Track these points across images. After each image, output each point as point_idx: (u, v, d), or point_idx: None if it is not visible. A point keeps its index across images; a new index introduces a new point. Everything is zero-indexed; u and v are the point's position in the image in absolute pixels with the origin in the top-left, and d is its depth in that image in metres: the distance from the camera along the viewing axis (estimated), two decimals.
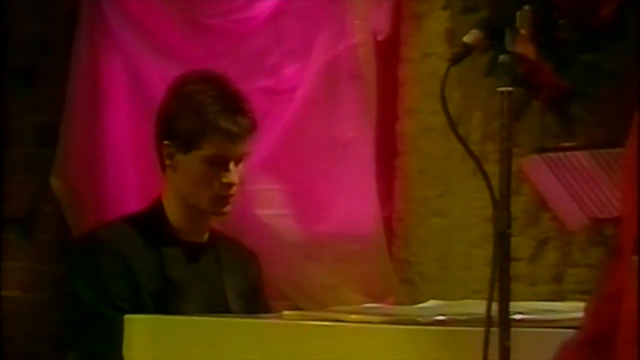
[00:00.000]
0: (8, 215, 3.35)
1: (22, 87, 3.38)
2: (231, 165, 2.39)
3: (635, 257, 1.36)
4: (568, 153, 2.79)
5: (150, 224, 2.41)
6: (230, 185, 2.39)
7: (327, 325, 1.81)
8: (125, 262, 2.35)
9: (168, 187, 2.43)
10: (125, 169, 3.18)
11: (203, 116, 2.36)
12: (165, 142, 2.40)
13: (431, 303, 2.12)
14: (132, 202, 2.96)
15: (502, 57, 1.53)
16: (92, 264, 2.36)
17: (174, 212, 2.42)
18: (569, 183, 2.80)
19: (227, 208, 2.41)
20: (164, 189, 2.44)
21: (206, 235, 2.46)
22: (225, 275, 2.45)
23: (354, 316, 1.82)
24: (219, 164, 2.38)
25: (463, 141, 1.58)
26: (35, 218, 3.36)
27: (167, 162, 2.40)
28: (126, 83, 3.24)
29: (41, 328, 3.30)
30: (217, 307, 2.37)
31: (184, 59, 3.11)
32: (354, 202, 3.13)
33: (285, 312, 2.00)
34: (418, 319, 1.78)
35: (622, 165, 1.49)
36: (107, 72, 3.26)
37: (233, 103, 2.40)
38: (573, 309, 1.84)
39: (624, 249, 1.41)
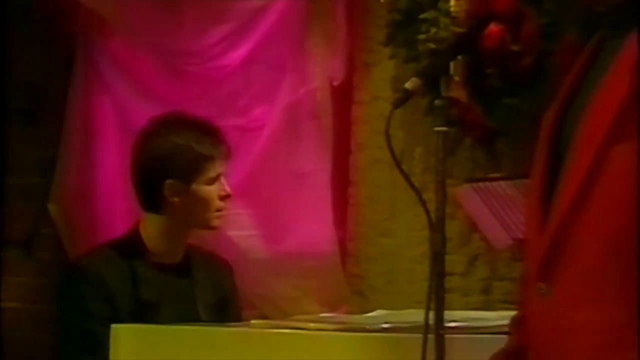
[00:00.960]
0: (10, 237, 3.31)
1: (23, 125, 3.35)
2: (223, 179, 2.41)
3: (541, 284, 1.32)
4: (494, 183, 2.82)
5: (129, 249, 2.39)
6: (228, 196, 2.41)
7: (289, 333, 1.81)
8: (106, 287, 2.32)
9: (163, 218, 2.37)
10: (114, 197, 3.16)
11: (196, 148, 2.37)
12: (168, 181, 2.36)
13: (378, 312, 2.13)
14: (120, 226, 2.94)
15: (437, 102, 1.53)
16: (77, 290, 2.34)
17: (154, 238, 2.39)
18: (495, 208, 2.83)
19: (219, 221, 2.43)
20: (149, 221, 2.40)
21: (180, 254, 2.43)
22: (196, 290, 2.42)
23: (312, 324, 1.83)
24: (217, 181, 2.40)
25: (405, 174, 1.59)
26: (35, 239, 3.33)
27: (175, 199, 2.36)
28: (115, 122, 3.23)
29: (39, 336, 3.25)
30: (188, 319, 2.33)
31: (165, 101, 3.11)
32: (313, 225, 3.14)
33: (253, 321, 2.00)
34: (367, 326, 1.79)
35: (526, 194, 1.45)
36: (98, 112, 3.25)
37: (214, 132, 2.43)
38: (500, 317, 1.86)
39: (529, 274, 1.36)
